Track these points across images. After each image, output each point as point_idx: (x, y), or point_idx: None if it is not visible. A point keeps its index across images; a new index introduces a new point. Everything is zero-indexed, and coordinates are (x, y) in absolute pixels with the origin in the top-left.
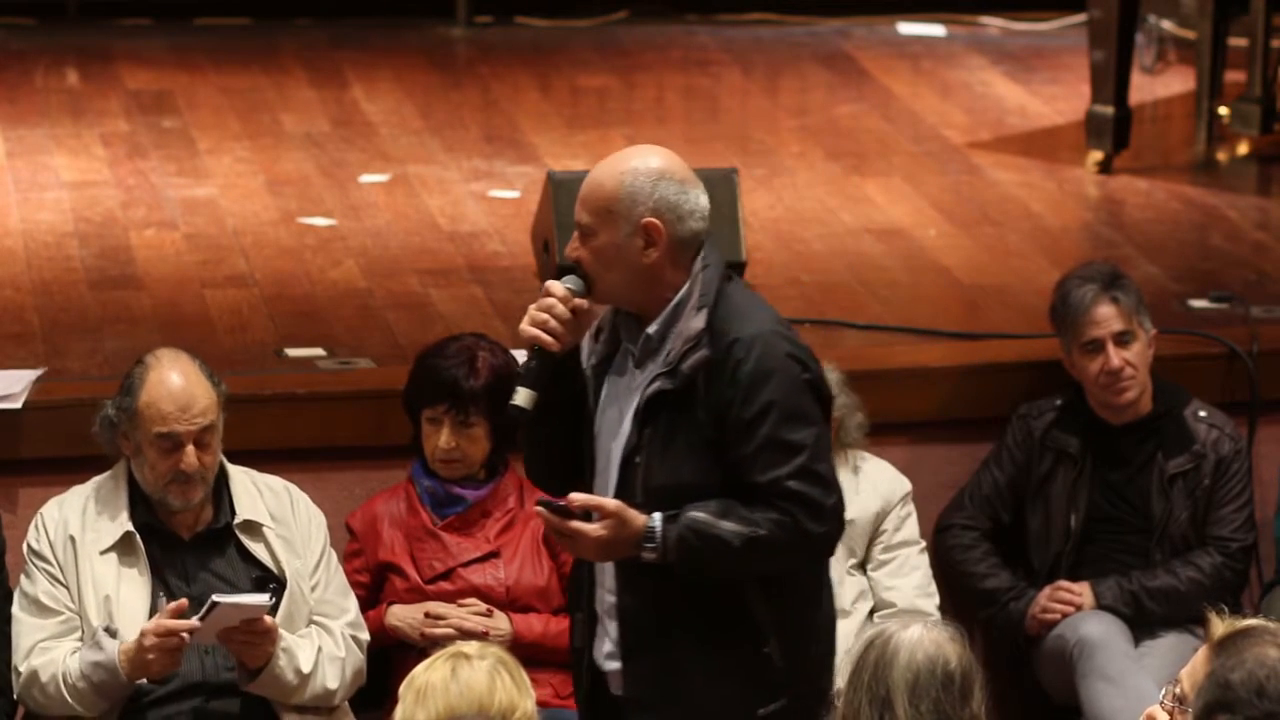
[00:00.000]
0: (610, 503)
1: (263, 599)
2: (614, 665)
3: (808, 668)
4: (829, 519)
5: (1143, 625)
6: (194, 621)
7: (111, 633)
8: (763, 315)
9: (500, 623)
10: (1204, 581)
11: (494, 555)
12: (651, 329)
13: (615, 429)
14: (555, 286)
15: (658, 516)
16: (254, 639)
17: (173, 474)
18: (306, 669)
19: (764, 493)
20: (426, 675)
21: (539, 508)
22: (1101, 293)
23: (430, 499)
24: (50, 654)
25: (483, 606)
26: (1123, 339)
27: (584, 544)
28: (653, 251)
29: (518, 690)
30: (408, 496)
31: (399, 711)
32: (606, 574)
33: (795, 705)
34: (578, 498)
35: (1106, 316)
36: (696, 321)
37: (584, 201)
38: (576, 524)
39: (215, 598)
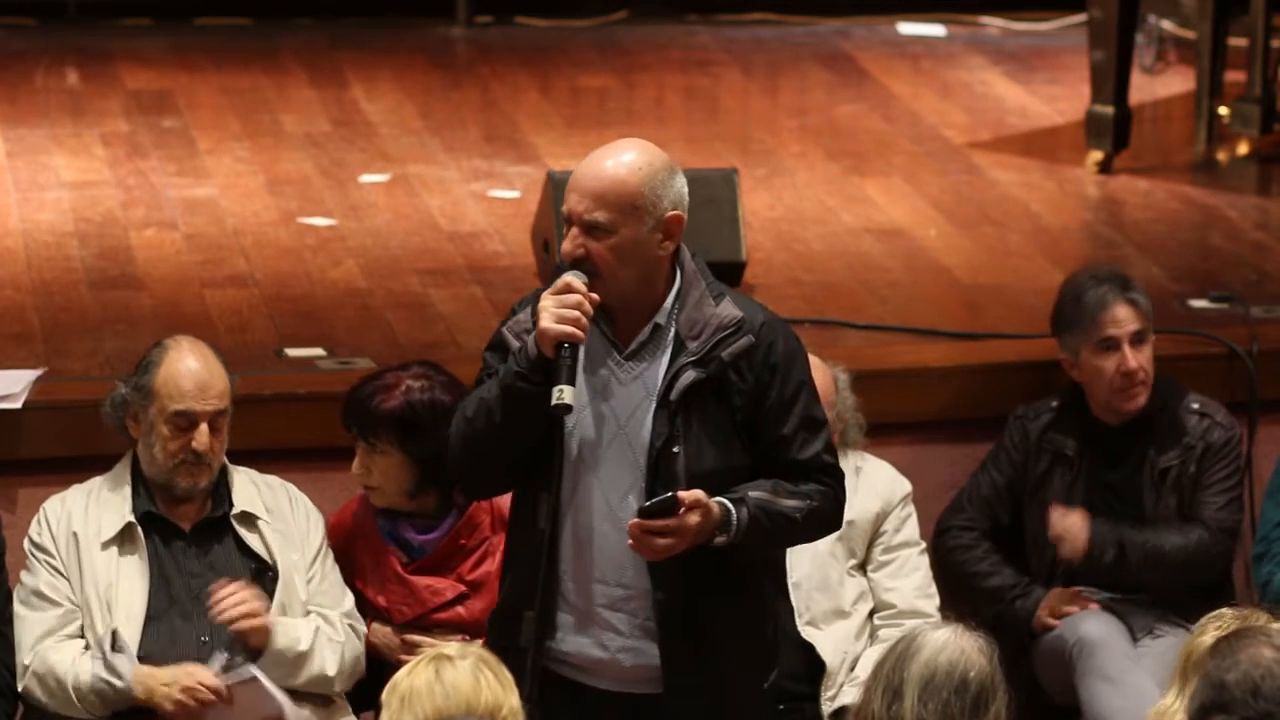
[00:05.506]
0: (696, 491)
1: (302, 713)
2: (629, 660)
3: (780, 638)
4: (844, 488)
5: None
6: (219, 684)
7: (119, 648)
8: (753, 300)
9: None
10: (1188, 548)
11: (465, 597)
12: (660, 319)
13: (616, 422)
14: (576, 282)
15: (725, 501)
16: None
17: (183, 454)
18: (304, 647)
19: (805, 468)
20: (410, 680)
21: (645, 513)
22: (1119, 293)
23: (390, 538)
24: (62, 652)
25: (458, 636)
26: (1138, 340)
27: (683, 538)
28: (669, 244)
29: (502, 688)
30: (375, 527)
31: (384, 718)
32: (603, 566)
33: (777, 678)
34: (687, 495)
35: (1125, 317)
36: (725, 309)
37: (601, 198)
38: (687, 517)
39: (254, 671)
